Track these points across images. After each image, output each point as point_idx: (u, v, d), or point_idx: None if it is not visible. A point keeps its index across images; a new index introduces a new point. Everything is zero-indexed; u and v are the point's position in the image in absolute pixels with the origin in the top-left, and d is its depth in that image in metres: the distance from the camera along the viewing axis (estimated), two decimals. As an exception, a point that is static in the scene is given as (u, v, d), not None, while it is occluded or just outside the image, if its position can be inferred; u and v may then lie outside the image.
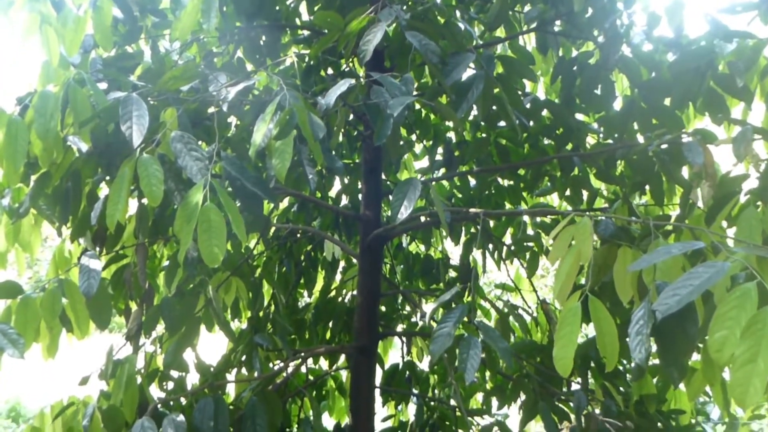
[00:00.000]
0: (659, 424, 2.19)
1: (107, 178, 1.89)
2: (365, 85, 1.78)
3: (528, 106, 2.21)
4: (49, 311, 1.56)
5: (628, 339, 1.22)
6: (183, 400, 2.07)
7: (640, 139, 2.17)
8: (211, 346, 2.95)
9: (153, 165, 1.42)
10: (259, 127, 1.48)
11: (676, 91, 1.95)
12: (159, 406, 1.88)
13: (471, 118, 2.54)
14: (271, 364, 2.52)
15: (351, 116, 2.38)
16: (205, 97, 1.64)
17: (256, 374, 2.12)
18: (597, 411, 2.23)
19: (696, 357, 1.71)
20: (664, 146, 1.99)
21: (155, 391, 2.16)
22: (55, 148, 1.58)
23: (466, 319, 1.58)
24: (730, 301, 1.03)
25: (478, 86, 1.68)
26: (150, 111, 1.55)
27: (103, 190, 2.02)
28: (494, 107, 1.86)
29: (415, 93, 2.45)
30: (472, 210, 1.76)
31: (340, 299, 2.92)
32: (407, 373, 2.79)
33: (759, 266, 1.14)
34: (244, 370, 2.36)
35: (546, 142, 2.54)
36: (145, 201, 1.97)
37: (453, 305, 1.59)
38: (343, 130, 2.66)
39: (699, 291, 1.06)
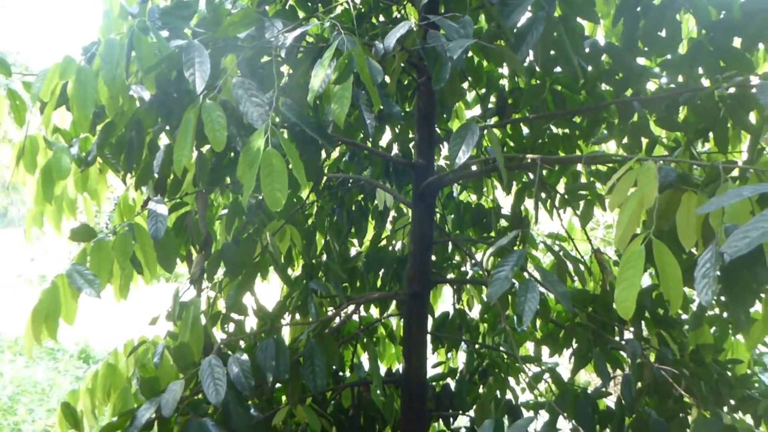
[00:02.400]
0: (715, 374, 2.17)
1: (167, 127, 1.95)
2: (421, 29, 1.76)
3: (587, 50, 2.14)
4: (122, 253, 1.64)
5: (686, 288, 1.20)
6: (242, 343, 2.16)
7: (705, 83, 2.09)
8: (267, 293, 3.05)
9: (216, 111, 1.46)
10: (317, 72, 1.49)
11: (748, 32, 1.86)
12: (222, 346, 1.97)
13: (526, 64, 2.48)
14: (324, 310, 2.60)
15: (403, 63, 2.36)
16: (263, 43, 1.65)
17: (311, 319, 2.19)
18: (651, 360, 2.23)
19: (756, 307, 1.69)
20: (731, 90, 1.92)
21: (217, 334, 2.26)
22: (121, 95, 1.62)
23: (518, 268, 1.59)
24: (805, 243, 1.00)
25: (538, 28, 1.63)
26: (210, 58, 1.57)
27: (163, 140, 2.08)
28: (553, 51, 1.81)
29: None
30: (529, 156, 1.74)
31: (390, 248, 2.96)
32: (458, 321, 2.82)
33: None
34: (297, 316, 2.44)
35: (604, 88, 2.47)
36: (204, 149, 2.02)
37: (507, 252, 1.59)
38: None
39: (772, 233, 1.04)
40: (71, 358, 5.07)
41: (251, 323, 2.40)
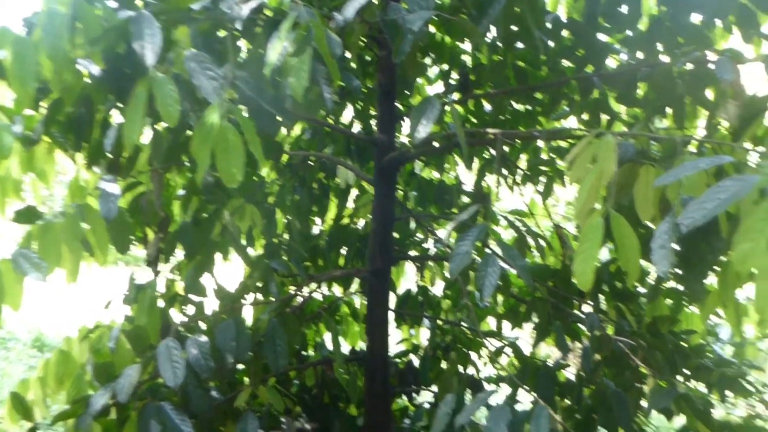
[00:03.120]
0: (671, 344, 2.23)
1: (119, 104, 1.87)
2: (382, 1, 1.72)
3: (549, 25, 2.13)
4: (70, 235, 1.57)
5: (643, 260, 1.22)
6: (203, 325, 2.12)
7: (665, 60, 2.10)
8: (228, 273, 3.00)
9: (168, 85, 1.40)
10: (274, 45, 1.44)
11: (706, 8, 1.87)
12: (181, 329, 1.93)
13: (489, 39, 2.46)
14: (286, 289, 2.57)
15: (363, 37, 2.31)
16: (217, 14, 1.58)
17: (273, 299, 2.16)
18: (609, 332, 2.27)
19: (711, 279, 1.73)
20: (689, 66, 1.94)
21: (176, 316, 2.21)
22: (65, 70, 1.54)
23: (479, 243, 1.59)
24: (758, 213, 1.02)
25: (499, 1, 1.61)
26: (161, 30, 1.50)
27: (115, 117, 2.00)
28: (514, 27, 1.80)
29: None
30: (490, 131, 1.73)
31: (353, 226, 2.93)
32: (420, 297, 2.83)
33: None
34: (260, 296, 2.40)
35: (566, 64, 2.47)
36: (158, 127, 1.94)
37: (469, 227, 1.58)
38: (357, 53, 2.60)
39: (726, 204, 1.05)
40: (24, 346, 4.92)
41: (213, 305, 2.36)
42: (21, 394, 1.83)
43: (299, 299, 2.24)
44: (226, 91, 1.44)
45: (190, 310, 2.22)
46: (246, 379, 2.28)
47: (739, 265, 1.03)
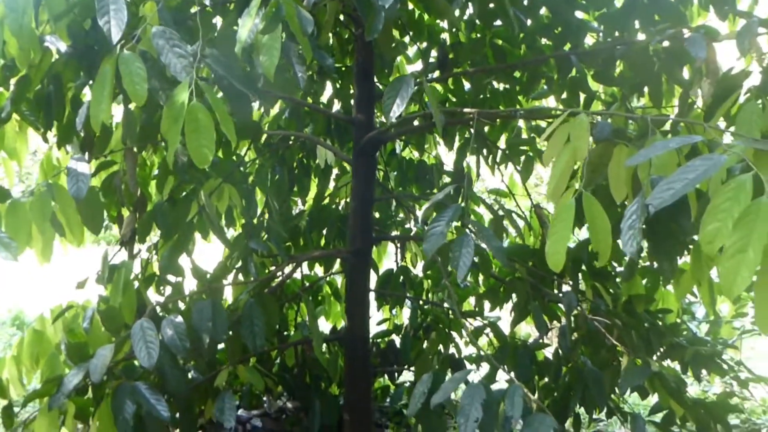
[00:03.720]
0: (646, 323, 2.25)
1: (90, 82, 1.83)
2: (356, -22, 1.69)
3: (525, 2, 2.12)
4: (40, 215, 1.55)
5: (619, 240, 1.22)
6: (181, 305, 2.11)
7: (642, 38, 2.09)
8: (209, 253, 2.98)
9: (135, 62, 1.37)
10: (244, 22, 1.41)
11: (682, -16, 1.86)
12: (159, 310, 1.91)
13: (466, 17, 2.44)
14: (266, 270, 2.56)
15: (342, 17, 2.28)
16: (185, -10, 1.55)
17: (252, 279, 2.15)
18: (586, 312, 2.29)
19: (685, 258, 1.74)
20: (665, 44, 1.93)
21: (154, 297, 2.19)
22: (31, 47, 1.50)
23: (459, 223, 1.59)
24: (725, 193, 1.02)
25: (474, -22, 1.59)
26: (129, 6, 1.47)
27: (87, 95, 1.96)
28: (491, 4, 1.77)
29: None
30: (466, 110, 1.72)
31: (333, 206, 2.92)
32: (401, 277, 2.83)
33: (755, 159, 1.12)
34: (241, 277, 2.39)
35: (544, 42, 2.45)
36: (132, 105, 1.91)
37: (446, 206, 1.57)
38: (334, 32, 2.56)
39: (694, 184, 1.05)
40: (3, 325, 4.88)
41: (192, 285, 2.35)
42: (-5, 374, 1.82)
43: (278, 279, 2.23)
44: (198, 69, 1.41)
45: (168, 290, 2.21)
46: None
47: (706, 244, 1.03)
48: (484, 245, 1.59)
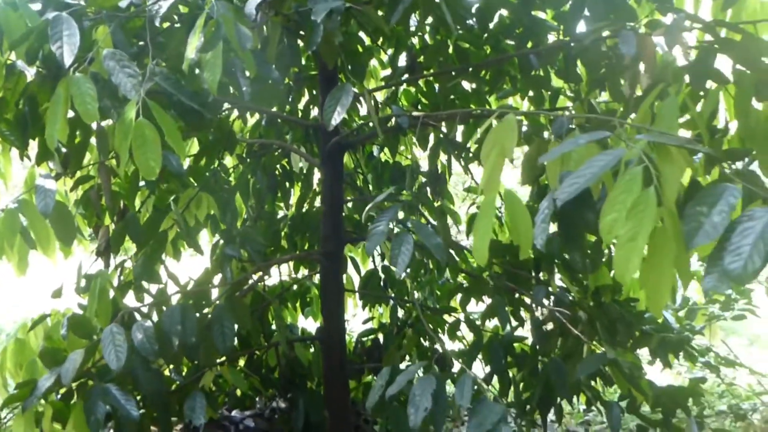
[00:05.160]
0: (615, 314, 2.29)
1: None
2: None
3: (477, 6, 2.17)
4: (9, 230, 1.65)
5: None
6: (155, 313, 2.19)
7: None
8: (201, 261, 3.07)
9: (85, 83, 1.46)
10: (190, 41, 1.50)
11: (623, -18, 1.91)
12: (138, 316, 2.01)
13: (430, 21, 2.51)
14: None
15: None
16: (139, 12, 1.64)
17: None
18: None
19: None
20: (614, 40, 1.98)
21: (135, 304, 2.29)
22: (-1, 72, 1.60)
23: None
24: (620, 186, 1.08)
25: (411, -11, 1.65)
26: (85, 30, 1.57)
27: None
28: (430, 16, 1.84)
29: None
30: (414, 113, 1.79)
31: (315, 210, 3.00)
32: (382, 277, 2.90)
33: (658, 153, 1.18)
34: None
35: (508, 42, 2.51)
36: (104, 123, 2.01)
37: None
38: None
39: (595, 177, 1.11)
40: (7, 338, 5.03)
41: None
42: (-19, 381, 1.93)
43: (250, 283, 2.31)
44: (149, 86, 1.50)
45: (148, 297, 2.30)
46: (219, 361, 2.35)
47: (605, 234, 1.09)
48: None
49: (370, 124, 2.65)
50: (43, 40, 1.56)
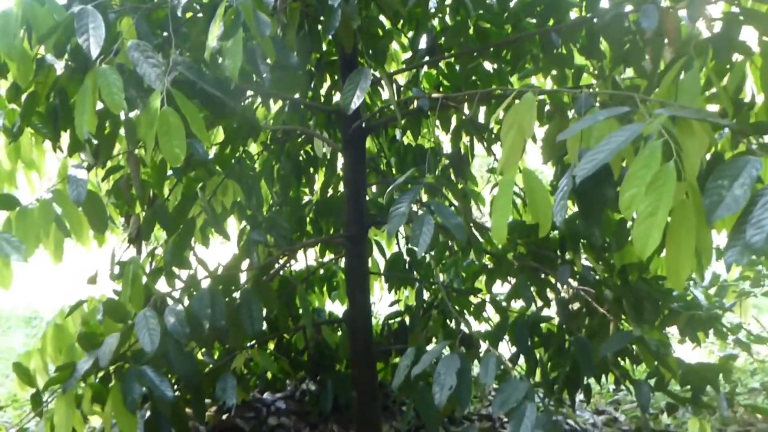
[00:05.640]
0: (642, 292, 2.27)
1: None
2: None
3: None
4: (44, 219, 1.71)
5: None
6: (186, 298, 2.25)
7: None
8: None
9: (112, 75, 1.50)
10: (211, 30, 1.52)
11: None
12: (170, 301, 2.07)
13: (450, 2, 2.50)
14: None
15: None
16: (161, 3, 1.67)
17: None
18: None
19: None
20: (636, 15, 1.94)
21: (167, 289, 2.35)
22: (25, 66, 1.65)
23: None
24: (639, 161, 1.08)
25: (429, -32, 1.65)
26: (108, 23, 1.60)
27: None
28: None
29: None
30: (434, 95, 1.79)
31: (339, 194, 3.03)
32: (407, 259, 2.93)
33: (679, 127, 1.17)
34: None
35: (530, 21, 2.48)
36: (132, 113, 2.06)
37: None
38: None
39: (612, 153, 1.11)
40: (21, 325, 5.20)
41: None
42: (24, 364, 2.01)
43: (276, 267, 2.35)
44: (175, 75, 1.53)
45: (179, 283, 2.36)
46: (249, 344, 2.40)
47: (624, 210, 1.09)
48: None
49: (392, 107, 2.68)
50: (70, 33, 1.60)
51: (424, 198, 1.61)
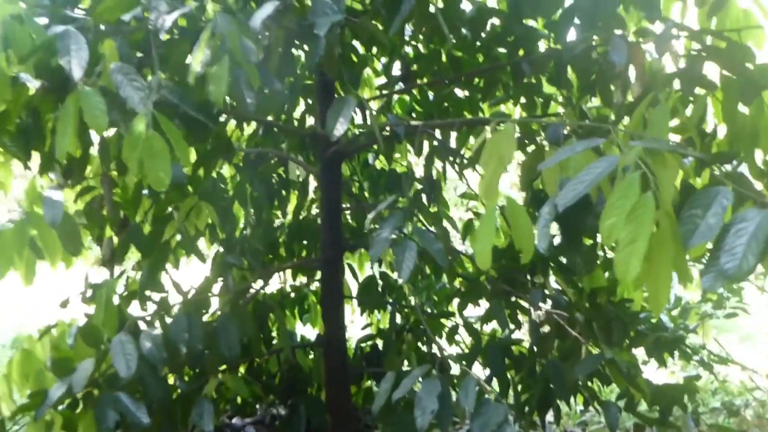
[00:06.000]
0: (611, 314, 2.34)
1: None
2: (304, 5, 1.81)
3: (474, 14, 2.23)
4: (18, 241, 1.68)
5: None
6: (168, 319, 2.22)
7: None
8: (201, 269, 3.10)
9: (94, 97, 1.49)
10: (195, 55, 1.53)
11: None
12: (144, 325, 2.03)
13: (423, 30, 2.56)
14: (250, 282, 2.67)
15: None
16: (142, 26, 1.68)
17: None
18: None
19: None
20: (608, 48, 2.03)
21: (139, 313, 2.31)
22: (4, 85, 1.63)
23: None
24: (618, 191, 1.13)
25: (410, 0, 1.70)
26: (93, 43, 1.60)
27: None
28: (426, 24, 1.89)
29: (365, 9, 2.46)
30: (414, 122, 1.83)
31: (312, 218, 3.03)
32: (380, 283, 2.94)
33: (653, 158, 1.23)
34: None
35: (501, 50, 2.57)
36: (105, 133, 2.04)
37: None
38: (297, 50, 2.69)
39: (593, 184, 1.16)
40: (3, 348, 5.02)
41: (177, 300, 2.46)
42: (-12, 392, 1.95)
43: (252, 291, 2.34)
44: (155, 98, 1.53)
45: (152, 306, 2.32)
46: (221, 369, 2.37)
47: (605, 238, 1.14)
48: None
49: (366, 132, 2.72)
50: (51, 54, 1.59)
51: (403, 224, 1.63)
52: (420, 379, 1.72)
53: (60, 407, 1.83)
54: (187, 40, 1.67)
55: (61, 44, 1.51)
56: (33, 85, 1.76)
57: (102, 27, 1.70)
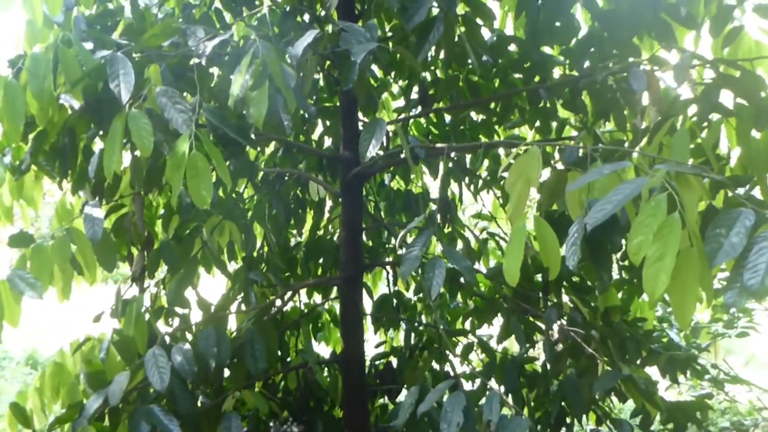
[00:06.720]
0: (625, 333, 2.40)
1: (100, 132, 2.03)
2: (336, 32, 1.90)
3: (494, 41, 2.32)
4: (61, 256, 1.74)
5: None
6: (189, 335, 2.28)
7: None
8: (215, 287, 3.16)
9: (142, 119, 1.57)
10: (236, 79, 1.61)
11: (628, 21, 2.07)
12: (168, 339, 2.08)
13: (443, 56, 2.65)
14: (267, 299, 2.72)
15: (328, 62, 2.49)
16: (185, 52, 1.76)
17: (252, 308, 2.32)
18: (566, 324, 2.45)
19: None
20: (623, 74, 2.12)
21: (163, 328, 2.37)
22: (50, 107, 1.71)
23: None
24: (646, 211, 1.20)
25: (438, 28, 1.79)
26: (135, 67, 1.68)
27: (98, 145, 2.16)
28: (457, 48, 1.98)
29: (388, 35, 2.56)
30: (438, 145, 1.91)
31: (328, 237, 3.10)
32: (394, 301, 3.00)
33: (677, 180, 1.30)
34: (243, 306, 2.56)
35: (516, 76, 2.66)
36: (138, 153, 2.11)
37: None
38: (322, 74, 2.78)
39: (621, 204, 1.23)
40: (18, 365, 5.06)
41: (198, 316, 2.52)
42: (20, 404, 1.98)
43: (276, 307, 2.40)
44: (197, 120, 1.61)
45: (177, 321, 2.38)
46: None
47: (632, 255, 1.21)
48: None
49: (382, 152, 2.80)
50: (99, 78, 1.67)
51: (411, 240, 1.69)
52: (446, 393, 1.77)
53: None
54: (225, 65, 1.75)
55: (110, 69, 1.59)
56: (75, 105, 1.85)
57: (143, 53, 1.79)
